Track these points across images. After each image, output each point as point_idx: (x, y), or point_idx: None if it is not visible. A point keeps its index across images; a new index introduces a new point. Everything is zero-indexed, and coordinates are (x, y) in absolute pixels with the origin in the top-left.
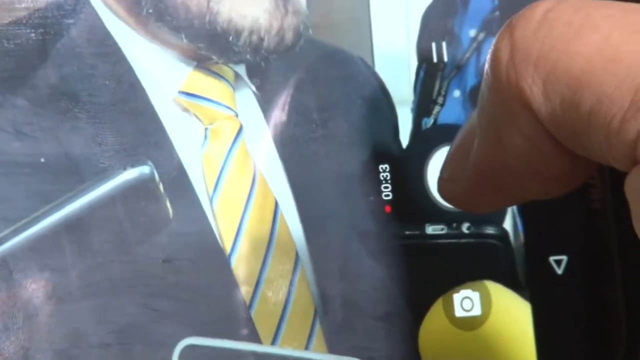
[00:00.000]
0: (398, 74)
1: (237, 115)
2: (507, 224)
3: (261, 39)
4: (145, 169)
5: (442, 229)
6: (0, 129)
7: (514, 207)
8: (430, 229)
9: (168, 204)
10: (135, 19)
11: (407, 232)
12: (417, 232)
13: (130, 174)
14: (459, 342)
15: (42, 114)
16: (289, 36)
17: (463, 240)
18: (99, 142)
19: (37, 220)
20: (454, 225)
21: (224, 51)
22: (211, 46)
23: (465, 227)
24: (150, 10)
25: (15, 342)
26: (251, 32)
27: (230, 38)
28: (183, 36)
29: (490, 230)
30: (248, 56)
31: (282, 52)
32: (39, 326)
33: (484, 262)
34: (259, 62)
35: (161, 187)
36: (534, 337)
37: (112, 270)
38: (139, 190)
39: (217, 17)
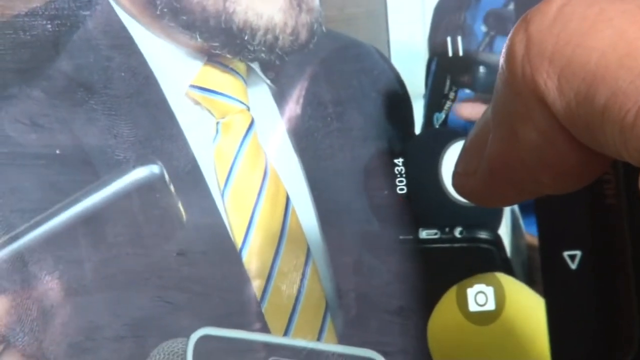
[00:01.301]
0: (414, 67)
1: (248, 109)
2: (505, 227)
3: (276, 38)
4: (155, 168)
5: (436, 234)
6: (16, 121)
7: (516, 209)
8: (424, 233)
9: (181, 206)
10: (148, 17)
11: (401, 237)
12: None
13: (139, 173)
14: (472, 337)
15: (57, 106)
16: (303, 34)
17: (456, 245)
18: (114, 134)
19: (47, 218)
20: (447, 230)
21: (239, 50)
22: (226, 45)
23: (457, 232)
24: (165, 10)
25: (29, 334)
26: (266, 31)
27: (246, 37)
28: (197, 35)
29: (483, 235)
30: (262, 55)
31: (296, 51)
32: (54, 318)
33: (479, 265)
34: (273, 60)
35: (172, 187)
36: (547, 331)
37: (127, 263)
38: (150, 191)
39: (233, 16)
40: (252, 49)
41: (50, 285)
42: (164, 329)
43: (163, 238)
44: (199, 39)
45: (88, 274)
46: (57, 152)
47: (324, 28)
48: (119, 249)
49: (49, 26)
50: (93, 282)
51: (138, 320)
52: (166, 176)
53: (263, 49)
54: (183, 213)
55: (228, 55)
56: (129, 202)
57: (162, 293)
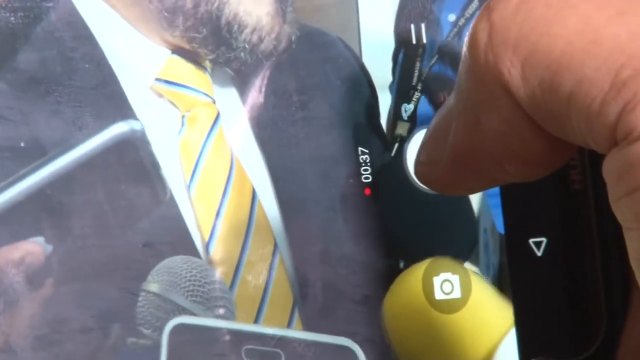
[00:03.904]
0: (385, 57)
1: (214, 102)
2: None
3: (261, 39)
4: (135, 124)
5: None
6: None
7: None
8: None
9: (163, 174)
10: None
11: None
12: None
13: (120, 128)
14: (438, 325)
15: (22, 98)
16: (284, 43)
17: None
18: (79, 126)
19: (31, 171)
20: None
21: (220, 44)
22: (209, 37)
23: None
24: None
25: None
26: (253, 30)
27: (233, 30)
28: (180, 21)
29: None
30: (242, 54)
31: (275, 57)
32: (20, 311)
33: None
34: (250, 62)
35: (152, 147)
36: (514, 319)
37: (93, 255)
38: (131, 147)
39: (226, 6)
40: (235, 45)
41: (16, 278)
42: (131, 320)
43: (150, 203)
44: (181, 27)
45: (54, 266)
46: (22, 144)
47: (294, 46)
48: (85, 240)
49: (12, 18)
50: (59, 274)
51: (105, 311)
52: (147, 135)
53: (246, 46)
54: (167, 183)
55: (205, 51)
56: (109, 157)
57: (129, 284)
